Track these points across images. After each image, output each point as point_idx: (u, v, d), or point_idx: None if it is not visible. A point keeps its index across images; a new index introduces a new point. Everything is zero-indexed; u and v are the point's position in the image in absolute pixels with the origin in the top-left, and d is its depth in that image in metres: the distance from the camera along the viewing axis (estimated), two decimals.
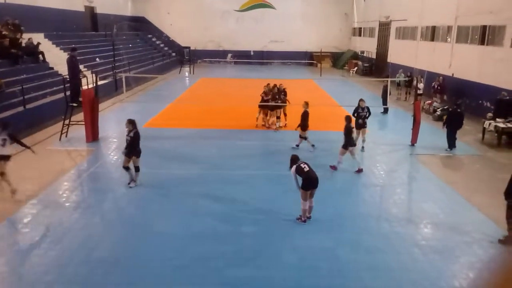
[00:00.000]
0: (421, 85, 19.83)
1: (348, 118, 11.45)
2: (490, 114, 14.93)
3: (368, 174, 11.25)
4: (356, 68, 35.77)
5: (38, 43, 19.36)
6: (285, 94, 15.49)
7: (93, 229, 8.04)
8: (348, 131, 11.22)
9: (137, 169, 9.97)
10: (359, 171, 11.25)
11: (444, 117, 14.27)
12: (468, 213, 9.02)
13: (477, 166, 12.07)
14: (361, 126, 12.99)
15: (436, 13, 23.05)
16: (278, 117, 15.27)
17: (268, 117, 15.50)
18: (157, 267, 6.79)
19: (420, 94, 18.88)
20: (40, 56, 19.30)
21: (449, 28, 21.59)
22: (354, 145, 11.60)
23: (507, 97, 15.16)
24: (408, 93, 22.56)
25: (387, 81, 17.64)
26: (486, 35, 18.17)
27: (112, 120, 17.00)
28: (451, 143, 13.32)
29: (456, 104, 14.31)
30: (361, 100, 13.28)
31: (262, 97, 15.16)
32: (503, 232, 7.96)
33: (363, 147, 13.13)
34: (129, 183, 9.91)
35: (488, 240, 7.82)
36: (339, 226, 8.32)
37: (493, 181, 10.92)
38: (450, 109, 14.48)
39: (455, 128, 13.32)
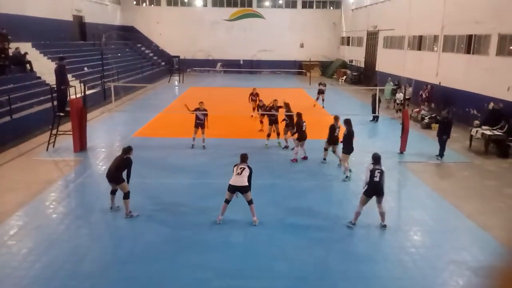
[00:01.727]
0: (408, 92, 20.09)
1: (348, 122, 11.47)
2: (477, 122, 15.12)
3: (358, 182, 11.27)
4: (345, 77, 36.10)
5: (26, 53, 19.20)
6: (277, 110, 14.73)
7: (80, 241, 7.91)
8: (349, 135, 11.29)
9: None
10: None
11: (433, 125, 14.40)
12: (456, 220, 9.07)
13: (465, 174, 12.18)
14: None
15: (423, 23, 23.40)
16: (278, 134, 14.47)
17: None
18: (144, 279, 6.69)
19: (408, 98, 19.09)
20: (28, 65, 19.13)
21: (436, 38, 21.92)
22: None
23: (501, 107, 15.37)
24: (395, 102, 22.77)
25: (376, 89, 17.79)
26: (472, 44, 18.47)
27: (101, 130, 16.87)
28: (443, 150, 13.44)
29: (447, 111, 14.40)
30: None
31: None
32: (491, 238, 8.02)
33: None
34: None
35: (476, 247, 7.86)
36: (329, 235, 8.31)
37: (481, 188, 11.04)
38: (439, 118, 14.61)
39: (446, 136, 13.33)
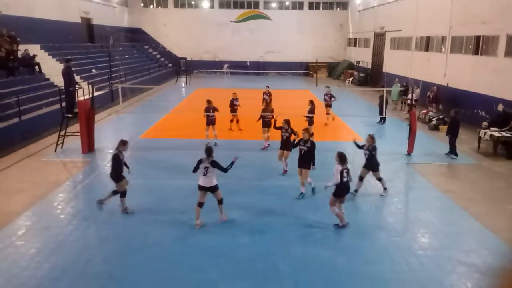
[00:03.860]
0: (415, 94, 20.01)
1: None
2: (485, 123, 14.99)
3: (365, 183, 11.18)
4: (351, 78, 36.00)
5: (34, 55, 19.37)
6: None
7: (88, 242, 7.96)
8: (311, 148, 9.99)
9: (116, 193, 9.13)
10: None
11: (440, 127, 14.56)
12: (465, 222, 9.00)
13: (473, 175, 12.08)
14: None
15: (430, 24, 23.27)
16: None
17: None
18: (151, 280, 6.71)
19: (415, 102, 18.97)
20: (36, 67, 19.30)
21: (443, 38, 21.78)
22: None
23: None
24: (404, 102, 22.69)
25: (383, 91, 17.72)
26: (480, 45, 18.34)
27: (108, 131, 16.96)
28: (452, 150, 13.57)
29: (455, 112, 14.36)
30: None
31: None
32: (500, 240, 7.95)
33: None
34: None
35: (485, 249, 7.79)
36: (336, 236, 8.28)
37: (490, 190, 10.94)
38: (448, 118, 14.76)
39: (451, 135, 13.56)
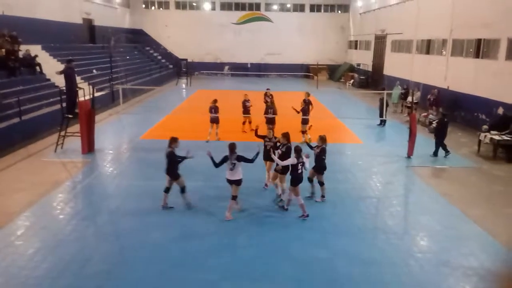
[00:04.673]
0: (416, 96, 20.03)
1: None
2: (485, 127, 14.99)
3: (364, 186, 11.22)
4: (352, 81, 36.04)
5: (36, 55, 19.40)
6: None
7: (87, 242, 7.95)
8: (287, 152, 9.83)
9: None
10: None
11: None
12: (464, 225, 8.99)
13: (473, 179, 12.08)
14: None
15: (431, 27, 23.29)
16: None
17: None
18: (151, 280, 6.71)
19: (413, 105, 19.03)
20: (37, 67, 19.32)
21: (444, 42, 21.80)
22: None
23: None
24: (404, 105, 22.70)
25: (384, 93, 17.73)
26: (481, 49, 18.35)
27: (108, 131, 16.97)
28: (435, 152, 13.93)
29: (443, 114, 14.59)
30: None
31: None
32: (499, 244, 7.93)
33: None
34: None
35: (484, 253, 7.78)
36: (335, 238, 8.27)
37: (489, 193, 10.94)
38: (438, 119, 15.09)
39: (442, 137, 13.91)
